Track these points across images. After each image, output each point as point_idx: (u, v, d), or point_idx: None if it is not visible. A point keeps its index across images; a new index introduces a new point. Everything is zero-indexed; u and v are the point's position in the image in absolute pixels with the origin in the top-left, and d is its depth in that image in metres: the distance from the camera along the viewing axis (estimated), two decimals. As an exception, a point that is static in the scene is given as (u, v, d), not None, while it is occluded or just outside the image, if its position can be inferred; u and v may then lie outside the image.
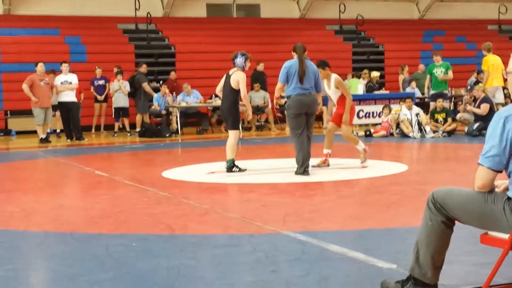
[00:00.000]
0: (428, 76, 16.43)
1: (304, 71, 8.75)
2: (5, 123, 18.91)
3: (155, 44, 22.07)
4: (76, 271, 4.31)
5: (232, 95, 9.17)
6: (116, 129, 17.53)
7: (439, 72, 15.86)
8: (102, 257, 4.64)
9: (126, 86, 17.32)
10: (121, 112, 17.52)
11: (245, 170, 9.09)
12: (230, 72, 9.24)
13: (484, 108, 14.29)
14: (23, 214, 6.61)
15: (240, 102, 9.37)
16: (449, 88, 17.48)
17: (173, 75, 19.78)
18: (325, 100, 9.93)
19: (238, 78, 9.11)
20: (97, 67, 18.21)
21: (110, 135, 17.24)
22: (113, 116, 17.69)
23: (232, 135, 9.13)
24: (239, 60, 9.18)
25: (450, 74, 15.86)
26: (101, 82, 17.99)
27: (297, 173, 8.75)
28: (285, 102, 9.13)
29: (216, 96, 17.62)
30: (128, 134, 17.16)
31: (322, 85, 9.21)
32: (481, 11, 27.60)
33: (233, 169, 9.04)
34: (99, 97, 17.90)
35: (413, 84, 18.85)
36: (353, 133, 14.66)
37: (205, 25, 23.33)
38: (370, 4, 26.32)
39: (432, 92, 16.18)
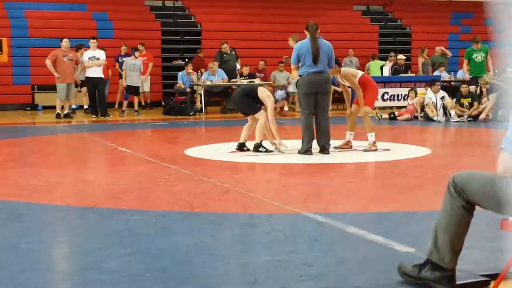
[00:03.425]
0: (465, 61, 16.27)
1: (318, 50, 8.70)
2: (32, 97, 19.11)
3: (182, 22, 22.06)
4: (96, 246, 4.36)
5: (252, 95, 9.07)
6: (124, 107, 17.08)
7: (479, 57, 15.71)
8: (121, 232, 4.69)
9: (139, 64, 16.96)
10: (132, 90, 16.96)
11: (272, 151, 9.08)
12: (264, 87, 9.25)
13: (491, 100, 14.11)
14: (46, 188, 6.69)
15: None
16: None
17: (201, 52, 19.68)
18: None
19: (268, 101, 8.99)
20: (122, 44, 18.22)
21: (120, 113, 16.79)
22: (124, 93, 17.32)
23: (261, 116, 9.01)
24: (280, 94, 9.20)
25: (490, 58, 15.72)
26: (126, 58, 17.94)
27: (300, 152, 8.76)
28: (297, 81, 9.12)
29: (241, 75, 17.63)
30: (136, 113, 16.57)
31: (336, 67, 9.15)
32: (511, -7, 27.11)
33: (259, 149, 9.04)
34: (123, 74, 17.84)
35: (442, 68, 18.65)
36: (377, 115, 14.66)
37: (231, 3, 23.22)
38: (399, -15, 25.98)
39: (471, 76, 16.05)
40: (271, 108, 9.02)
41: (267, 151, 9.03)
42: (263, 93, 9.12)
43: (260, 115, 9.03)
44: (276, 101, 9.17)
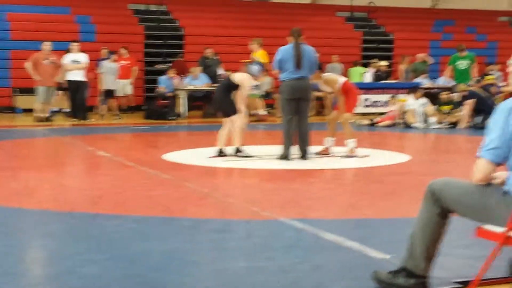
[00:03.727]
0: (450, 67, 16.39)
1: (301, 56, 8.73)
2: (12, 100, 18.96)
3: (165, 26, 22.02)
4: (72, 250, 4.34)
5: (229, 87, 9.05)
6: (104, 111, 16.93)
7: (464, 64, 15.82)
8: (98, 237, 4.67)
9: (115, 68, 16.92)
10: (108, 93, 16.86)
11: (253, 156, 9.07)
12: (239, 72, 9.18)
13: (468, 106, 14.17)
14: (24, 192, 6.64)
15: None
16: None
17: (180, 56, 19.69)
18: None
19: (244, 81, 8.99)
20: (102, 48, 18.11)
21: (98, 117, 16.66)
22: (101, 97, 17.14)
23: (237, 119, 8.99)
24: (255, 68, 9.15)
25: (475, 67, 15.87)
26: (102, 62, 17.72)
27: (280, 157, 8.78)
28: (279, 86, 9.12)
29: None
30: (118, 117, 16.54)
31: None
32: (492, 2, 27.39)
33: (239, 154, 9.02)
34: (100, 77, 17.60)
35: (424, 75, 18.76)
36: (357, 122, 14.72)
37: (215, 8, 23.24)
38: (383, -9, 26.15)
39: (455, 83, 16.18)
40: (247, 86, 9.01)
41: (248, 156, 9.03)
42: (238, 76, 9.07)
43: (238, 118, 9.02)
44: (253, 77, 9.14)
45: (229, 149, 9.09)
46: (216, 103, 9.45)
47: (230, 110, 9.11)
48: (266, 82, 17.18)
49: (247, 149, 9.13)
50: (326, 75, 9.45)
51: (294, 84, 8.79)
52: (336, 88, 9.26)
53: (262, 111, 16.61)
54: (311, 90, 9.16)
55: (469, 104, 14.14)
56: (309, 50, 8.95)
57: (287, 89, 8.83)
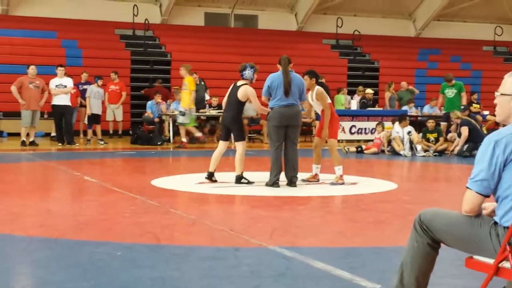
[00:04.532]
0: (441, 96, 16.55)
1: (290, 83, 8.77)
2: (-2, 124, 18.87)
3: (152, 51, 22.08)
4: (58, 278, 4.28)
5: (238, 106, 9.07)
6: (89, 136, 17.01)
7: (450, 93, 16.00)
8: (85, 265, 4.61)
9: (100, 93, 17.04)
10: (94, 118, 16.98)
11: (253, 182, 9.04)
12: (238, 83, 9.16)
13: (464, 132, 14.30)
14: (9, 218, 6.56)
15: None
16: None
17: (159, 82, 19.76)
18: (318, 117, 9.94)
19: (247, 93, 8.99)
20: (83, 72, 18.08)
21: (85, 142, 16.74)
22: (86, 122, 17.27)
23: (240, 146, 9.03)
24: (248, 72, 9.12)
25: (464, 94, 16.02)
26: (86, 86, 17.69)
27: (267, 184, 8.79)
28: (268, 113, 9.12)
29: (210, 106, 17.63)
30: (102, 142, 16.56)
31: (307, 96, 9.23)
32: (477, 32, 27.78)
33: (241, 181, 9.02)
34: (83, 102, 17.60)
35: (411, 104, 18.91)
36: (345, 149, 14.76)
37: (202, 33, 23.37)
38: (368, 20, 26.46)
39: (444, 112, 16.32)
40: (254, 99, 9.01)
41: (249, 182, 9.00)
42: (242, 92, 9.01)
43: (240, 145, 9.02)
44: (248, 81, 9.17)
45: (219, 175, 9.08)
46: (226, 123, 9.32)
47: (236, 134, 9.11)
48: (193, 110, 16.27)
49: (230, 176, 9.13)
50: (320, 89, 9.36)
51: (283, 111, 8.81)
52: (326, 102, 9.25)
53: (197, 133, 16.23)
54: (300, 117, 9.18)
55: (464, 130, 14.23)
56: (297, 78, 8.98)
57: (276, 116, 8.85)
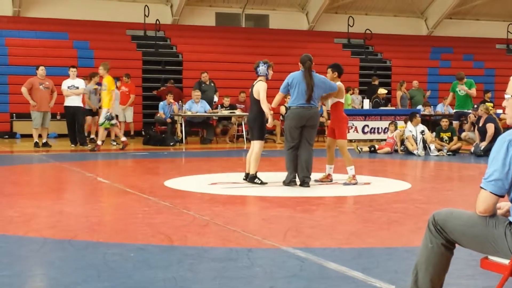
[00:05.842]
0: (451, 94, 16.47)
1: (312, 88, 8.71)
2: (10, 125, 18.94)
3: (163, 52, 22.12)
4: (72, 280, 4.28)
5: (256, 105, 9.07)
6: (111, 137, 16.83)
7: (463, 91, 15.93)
8: (98, 266, 4.61)
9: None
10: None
11: (267, 183, 9.02)
12: (254, 82, 9.17)
13: (490, 129, 14.14)
14: (22, 219, 6.59)
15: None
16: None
17: (171, 82, 19.73)
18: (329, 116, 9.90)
19: (258, 88, 9.02)
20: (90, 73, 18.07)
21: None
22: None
23: (257, 145, 9.04)
24: (262, 68, 9.08)
25: (473, 91, 15.91)
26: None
27: (284, 182, 8.80)
28: (286, 112, 9.08)
29: (222, 106, 17.62)
30: (115, 143, 16.35)
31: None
32: (489, 30, 27.61)
33: (255, 181, 9.01)
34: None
35: (428, 109, 18.83)
36: (358, 148, 14.70)
37: (213, 33, 23.38)
38: (379, 19, 26.36)
39: (455, 111, 16.25)
40: (263, 95, 8.95)
41: (262, 183, 8.99)
42: (256, 89, 9.03)
43: (258, 144, 9.02)
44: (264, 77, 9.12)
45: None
46: (249, 122, 9.40)
47: (256, 133, 9.10)
48: (114, 110, 15.80)
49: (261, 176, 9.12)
50: (340, 84, 9.29)
51: (300, 112, 8.77)
52: (343, 93, 9.22)
53: (123, 138, 15.49)
54: (318, 118, 9.14)
55: (490, 128, 14.05)
56: (318, 79, 8.90)
57: (294, 116, 8.80)
